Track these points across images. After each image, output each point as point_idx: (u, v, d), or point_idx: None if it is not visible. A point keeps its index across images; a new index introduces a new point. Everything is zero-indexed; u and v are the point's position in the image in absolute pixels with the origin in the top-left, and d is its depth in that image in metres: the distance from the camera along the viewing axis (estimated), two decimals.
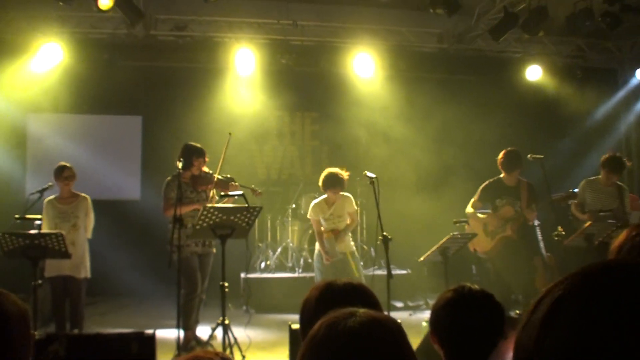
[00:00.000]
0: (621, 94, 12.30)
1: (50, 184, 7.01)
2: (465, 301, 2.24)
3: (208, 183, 6.78)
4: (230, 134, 6.82)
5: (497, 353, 2.21)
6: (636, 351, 0.63)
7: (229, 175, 6.92)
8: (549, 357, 0.69)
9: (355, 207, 7.30)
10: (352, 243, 7.46)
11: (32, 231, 6.02)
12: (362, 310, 1.45)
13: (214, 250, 6.90)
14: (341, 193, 7.08)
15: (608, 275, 0.71)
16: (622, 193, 7.05)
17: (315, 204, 7.21)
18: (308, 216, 7.37)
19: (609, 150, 7.89)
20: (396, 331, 1.43)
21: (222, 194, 6.71)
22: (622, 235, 2.61)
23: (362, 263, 8.05)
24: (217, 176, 6.81)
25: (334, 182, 6.93)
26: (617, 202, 6.92)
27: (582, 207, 7.18)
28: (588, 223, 6.51)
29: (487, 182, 7.42)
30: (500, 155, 7.30)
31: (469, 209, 7.46)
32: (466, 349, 2.20)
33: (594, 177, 7.28)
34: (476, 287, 2.32)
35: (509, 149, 7.34)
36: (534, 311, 0.74)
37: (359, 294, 2.10)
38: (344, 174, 7.00)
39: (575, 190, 7.36)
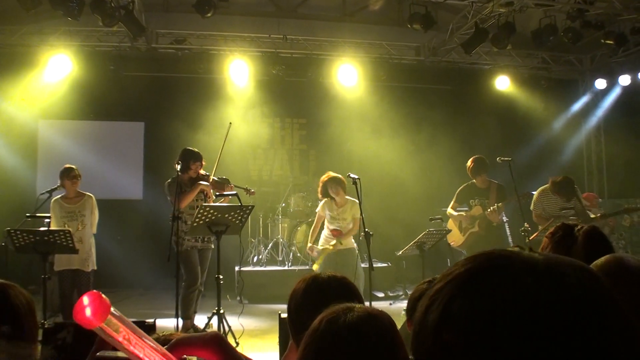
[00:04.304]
0: (582, 102, 12.40)
1: (59, 184, 6.92)
2: None
3: None
4: (230, 123, 6.80)
5: None
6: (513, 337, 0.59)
7: (224, 177, 6.89)
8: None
9: (360, 215, 6.46)
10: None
11: (42, 228, 5.96)
12: (358, 306, 1.49)
13: (212, 246, 6.83)
14: (348, 198, 7.00)
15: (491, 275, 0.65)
16: (576, 193, 6.99)
17: (326, 201, 7.10)
18: (316, 210, 7.26)
19: (554, 176, 7.53)
20: (389, 324, 1.48)
21: (218, 193, 6.68)
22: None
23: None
24: (213, 177, 6.77)
25: (337, 183, 6.91)
26: (574, 202, 6.89)
27: (542, 217, 7.06)
28: (551, 219, 6.52)
29: (462, 186, 7.49)
30: (469, 162, 7.32)
31: (449, 210, 7.54)
32: None
33: (545, 186, 7.07)
34: None
35: (475, 156, 7.33)
36: (427, 310, 0.67)
37: (341, 286, 2.10)
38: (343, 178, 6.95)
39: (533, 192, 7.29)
